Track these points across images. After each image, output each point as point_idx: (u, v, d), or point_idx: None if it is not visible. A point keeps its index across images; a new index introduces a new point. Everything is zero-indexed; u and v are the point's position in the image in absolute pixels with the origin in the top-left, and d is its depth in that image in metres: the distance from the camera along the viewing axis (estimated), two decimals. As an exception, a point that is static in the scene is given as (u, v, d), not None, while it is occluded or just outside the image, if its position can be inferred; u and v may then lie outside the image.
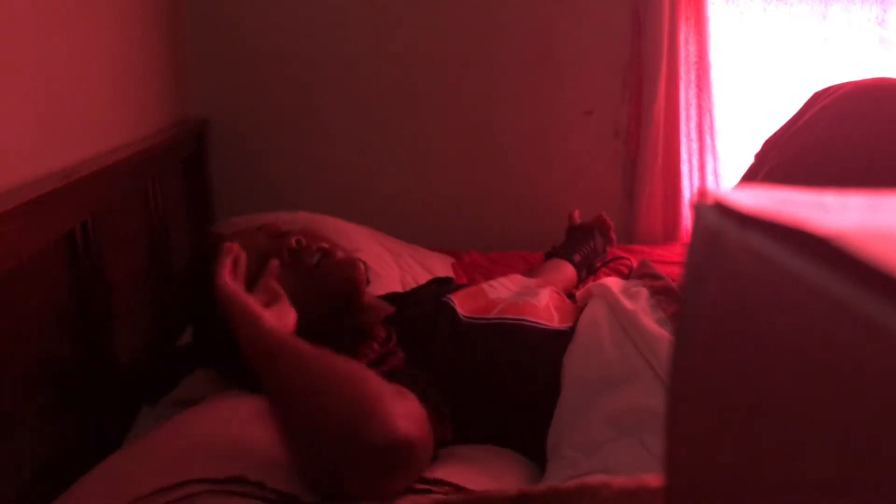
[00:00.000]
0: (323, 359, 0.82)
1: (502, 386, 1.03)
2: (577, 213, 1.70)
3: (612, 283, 1.19)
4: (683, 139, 2.12)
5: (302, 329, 1.07)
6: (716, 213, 0.21)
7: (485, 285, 1.25)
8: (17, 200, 0.79)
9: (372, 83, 2.07)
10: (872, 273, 0.15)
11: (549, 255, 1.62)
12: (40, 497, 0.82)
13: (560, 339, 1.07)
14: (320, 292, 1.07)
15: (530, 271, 1.58)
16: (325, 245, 1.10)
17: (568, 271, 1.54)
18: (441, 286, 1.31)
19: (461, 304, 1.14)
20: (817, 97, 1.21)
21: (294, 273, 1.06)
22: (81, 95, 1.15)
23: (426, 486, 0.86)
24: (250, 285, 1.06)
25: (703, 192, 0.22)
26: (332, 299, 1.09)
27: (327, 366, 0.81)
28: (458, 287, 1.28)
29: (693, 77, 2.10)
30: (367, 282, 1.16)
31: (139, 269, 1.31)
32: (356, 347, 1.01)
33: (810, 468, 0.16)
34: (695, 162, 2.14)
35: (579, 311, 1.16)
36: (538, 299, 1.18)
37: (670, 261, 1.82)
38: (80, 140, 1.13)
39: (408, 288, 1.55)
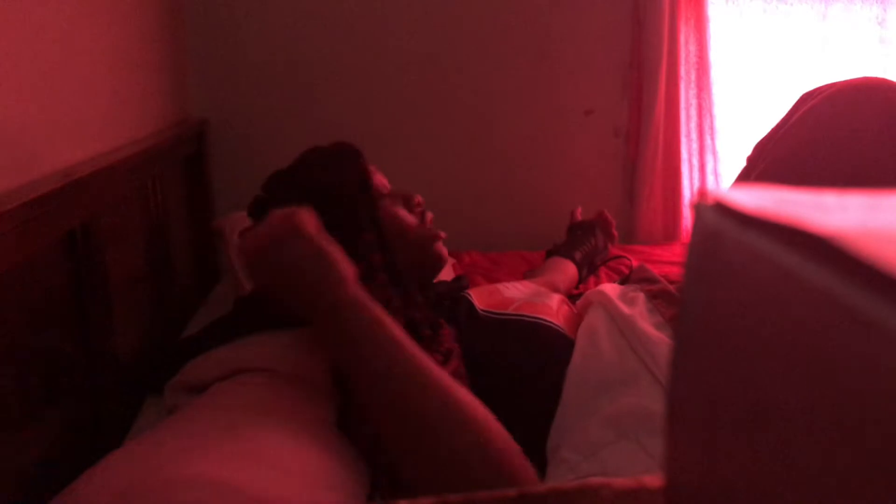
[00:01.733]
0: (459, 392, 0.77)
1: (513, 382, 1.04)
2: (578, 211, 1.70)
3: (610, 289, 1.19)
4: (683, 139, 2.12)
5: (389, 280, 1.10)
6: (716, 213, 0.21)
7: (499, 285, 1.27)
8: (17, 200, 0.79)
9: (371, 83, 2.07)
10: (872, 273, 0.15)
11: (550, 253, 1.62)
12: (40, 493, 0.82)
13: (569, 346, 1.08)
14: (421, 253, 1.12)
15: (532, 270, 1.58)
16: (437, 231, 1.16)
17: (569, 270, 1.54)
18: (456, 283, 1.31)
19: (478, 298, 1.16)
20: (805, 99, 1.21)
21: (415, 224, 1.12)
22: (81, 95, 1.15)
23: None
24: (384, 197, 1.10)
25: (703, 192, 0.22)
26: (424, 264, 1.13)
27: (467, 402, 0.77)
28: (469, 284, 1.29)
29: (693, 77, 2.10)
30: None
31: (139, 269, 1.31)
32: (435, 338, 1.01)
33: (810, 469, 0.16)
34: (695, 162, 2.15)
35: (580, 319, 1.17)
36: (552, 301, 1.19)
37: (670, 261, 1.82)
38: (80, 140, 1.13)
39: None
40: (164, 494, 0.74)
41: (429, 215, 1.17)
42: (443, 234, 1.16)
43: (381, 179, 1.14)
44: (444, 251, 1.16)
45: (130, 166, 1.21)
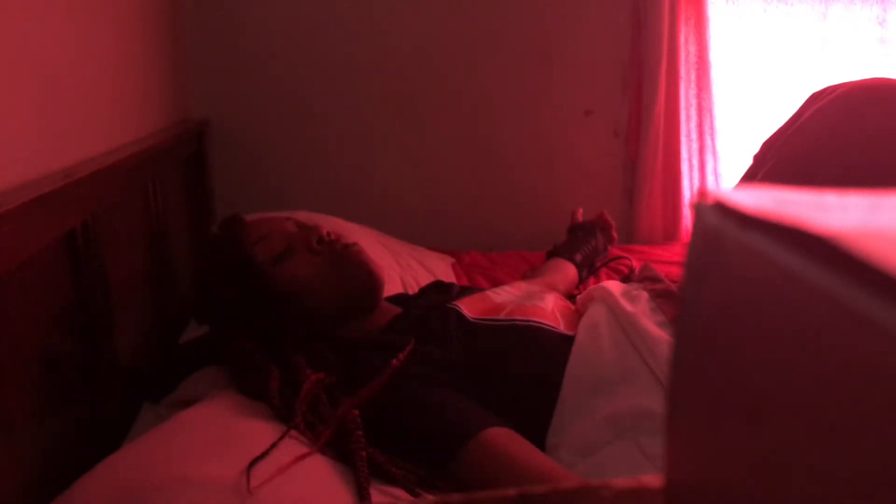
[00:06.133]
0: None
1: (509, 385, 1.03)
2: (580, 212, 1.69)
3: (613, 286, 1.19)
4: (683, 139, 2.12)
5: (316, 318, 1.11)
6: (716, 213, 0.21)
7: (489, 291, 1.25)
8: (17, 200, 0.79)
9: (371, 83, 2.07)
10: (872, 273, 0.15)
11: (551, 255, 1.62)
12: (40, 496, 0.82)
13: (566, 344, 1.08)
14: (342, 282, 1.12)
15: (532, 271, 1.58)
16: (352, 241, 1.17)
17: (569, 271, 1.54)
18: (442, 293, 1.31)
19: (467, 308, 1.15)
20: (815, 98, 1.21)
21: (322, 260, 1.12)
22: (81, 95, 1.15)
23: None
24: (274, 263, 1.10)
25: (703, 192, 0.22)
26: (351, 291, 1.13)
27: None
28: (461, 292, 1.28)
29: (693, 77, 2.10)
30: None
31: (139, 269, 1.31)
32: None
33: (810, 469, 0.16)
34: (695, 162, 2.15)
35: (580, 315, 1.16)
36: (545, 303, 1.18)
37: (670, 261, 1.82)
38: (80, 140, 1.13)
39: (408, 288, 1.56)
40: (161, 494, 0.74)
41: (340, 240, 1.16)
42: (356, 246, 1.16)
43: (263, 250, 1.12)
44: (369, 263, 1.15)
45: (130, 166, 1.21)
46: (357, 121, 2.09)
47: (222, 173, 2.04)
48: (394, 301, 1.26)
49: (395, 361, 0.99)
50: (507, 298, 1.20)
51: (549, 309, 1.17)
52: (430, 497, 0.87)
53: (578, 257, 1.58)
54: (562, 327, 1.13)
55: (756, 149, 1.27)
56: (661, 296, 1.14)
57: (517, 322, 1.11)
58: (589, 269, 1.62)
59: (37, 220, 0.84)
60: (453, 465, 0.88)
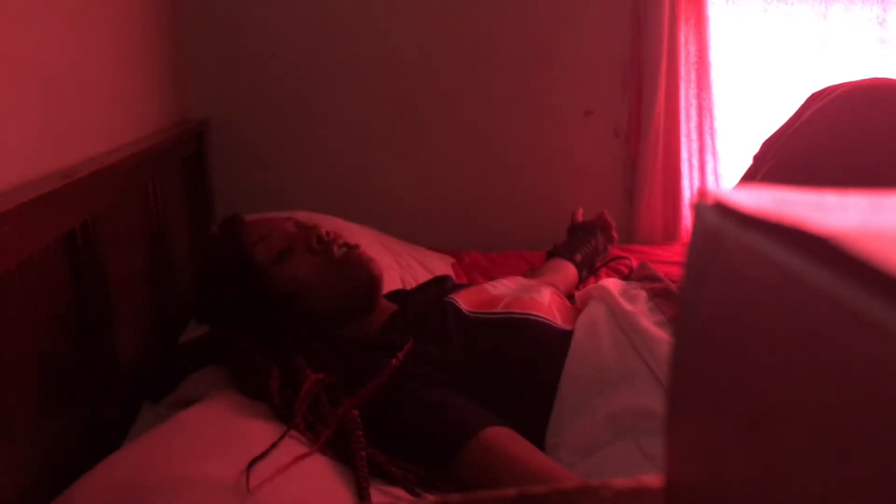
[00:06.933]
0: None
1: (508, 381, 1.03)
2: (580, 212, 1.69)
3: (612, 284, 1.19)
4: (683, 139, 2.12)
5: (315, 319, 1.11)
6: (716, 213, 0.21)
7: (486, 284, 1.25)
8: (16, 200, 0.79)
9: (371, 83, 2.07)
10: (872, 273, 0.15)
11: (551, 255, 1.62)
12: (40, 496, 0.82)
13: (564, 340, 1.07)
14: (342, 282, 1.13)
15: (532, 271, 1.58)
16: (352, 242, 1.17)
17: (569, 271, 1.54)
18: (439, 287, 1.31)
19: (464, 301, 1.15)
20: (815, 98, 1.21)
21: (322, 260, 1.12)
22: (81, 95, 1.15)
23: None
24: (274, 263, 1.10)
25: (703, 192, 0.22)
26: (351, 291, 1.13)
27: None
28: (457, 287, 1.28)
29: (693, 77, 2.10)
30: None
31: (139, 269, 1.30)
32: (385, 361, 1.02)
33: (811, 469, 0.16)
34: (695, 162, 2.15)
35: (578, 313, 1.16)
36: (541, 296, 1.18)
37: (670, 261, 1.82)
38: (80, 140, 1.13)
39: (407, 288, 1.56)
40: (161, 494, 0.74)
41: (339, 240, 1.16)
42: (359, 248, 1.16)
43: (263, 250, 1.12)
44: (369, 264, 1.15)
45: (130, 166, 1.21)
46: (357, 121, 2.09)
47: (222, 173, 2.04)
48: (392, 298, 1.26)
49: (394, 361, 0.99)
50: (504, 291, 1.20)
51: (545, 303, 1.17)
52: (430, 497, 0.87)
53: (578, 257, 1.58)
54: (559, 322, 1.13)
55: (756, 149, 1.27)
56: (660, 295, 1.14)
57: (514, 315, 1.11)
58: (589, 269, 1.62)
59: (37, 220, 0.84)
60: (453, 464, 0.88)
